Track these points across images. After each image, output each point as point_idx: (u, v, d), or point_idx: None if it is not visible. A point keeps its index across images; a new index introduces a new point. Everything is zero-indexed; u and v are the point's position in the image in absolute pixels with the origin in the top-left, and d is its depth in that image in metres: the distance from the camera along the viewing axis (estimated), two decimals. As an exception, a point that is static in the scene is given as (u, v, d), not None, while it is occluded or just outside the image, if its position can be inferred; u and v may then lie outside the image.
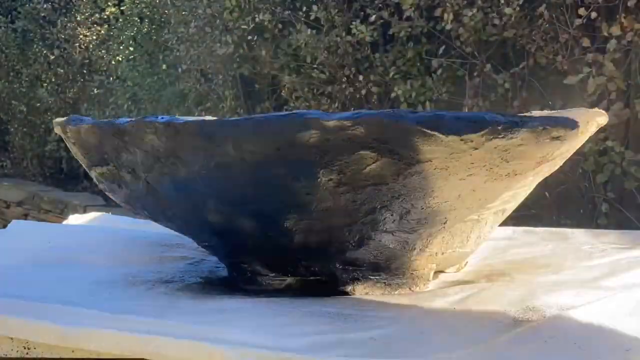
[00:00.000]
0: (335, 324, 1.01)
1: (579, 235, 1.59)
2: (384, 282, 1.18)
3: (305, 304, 1.09)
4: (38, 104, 5.48)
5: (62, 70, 5.33)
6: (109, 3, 5.09)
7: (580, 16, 2.36)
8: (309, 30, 3.20)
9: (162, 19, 4.34)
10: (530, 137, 1.00)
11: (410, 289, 1.19)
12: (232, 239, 1.18)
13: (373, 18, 2.99)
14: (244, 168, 1.04)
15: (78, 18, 5.21)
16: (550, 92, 2.54)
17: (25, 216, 4.97)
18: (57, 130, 1.23)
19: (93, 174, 1.22)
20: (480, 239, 1.27)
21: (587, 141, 1.32)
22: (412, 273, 1.19)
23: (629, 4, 2.28)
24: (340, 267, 1.17)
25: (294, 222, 1.11)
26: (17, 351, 1.05)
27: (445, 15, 2.70)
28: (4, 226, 1.80)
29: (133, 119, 1.09)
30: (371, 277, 1.17)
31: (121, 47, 4.81)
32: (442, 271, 1.28)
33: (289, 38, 3.38)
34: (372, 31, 3.04)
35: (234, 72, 3.81)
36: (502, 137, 0.98)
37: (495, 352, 0.90)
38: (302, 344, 0.95)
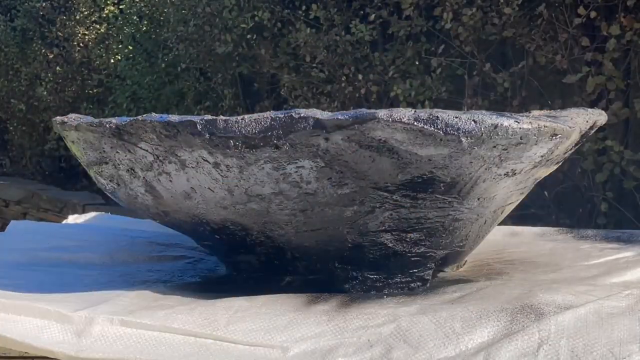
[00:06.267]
0: (334, 322, 1.01)
1: (577, 235, 1.59)
2: (383, 281, 1.18)
3: (305, 303, 1.09)
4: (37, 103, 5.47)
5: (61, 69, 5.31)
6: (108, 2, 5.08)
7: (579, 15, 2.36)
8: (308, 29, 3.20)
9: (161, 18, 4.33)
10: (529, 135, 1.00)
11: (408, 287, 1.19)
12: (231, 238, 1.18)
13: (372, 17, 2.99)
14: (243, 166, 1.04)
15: (77, 17, 5.20)
16: (550, 91, 2.54)
17: (24, 215, 4.96)
18: (57, 129, 1.23)
19: (92, 172, 1.22)
20: (479, 238, 1.27)
21: (586, 140, 1.32)
22: (411, 272, 1.19)
23: (628, 3, 2.28)
24: (339, 266, 1.17)
25: (294, 221, 1.11)
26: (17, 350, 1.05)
27: (445, 14, 2.70)
28: (3, 225, 1.80)
29: (132, 118, 1.09)
30: (370, 276, 1.18)
31: (120, 46, 4.80)
32: (441, 270, 1.28)
33: (288, 37, 3.38)
34: (371, 30, 3.04)
35: (233, 71, 3.80)
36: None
37: (493, 350, 0.90)
38: (303, 347, 0.95)
